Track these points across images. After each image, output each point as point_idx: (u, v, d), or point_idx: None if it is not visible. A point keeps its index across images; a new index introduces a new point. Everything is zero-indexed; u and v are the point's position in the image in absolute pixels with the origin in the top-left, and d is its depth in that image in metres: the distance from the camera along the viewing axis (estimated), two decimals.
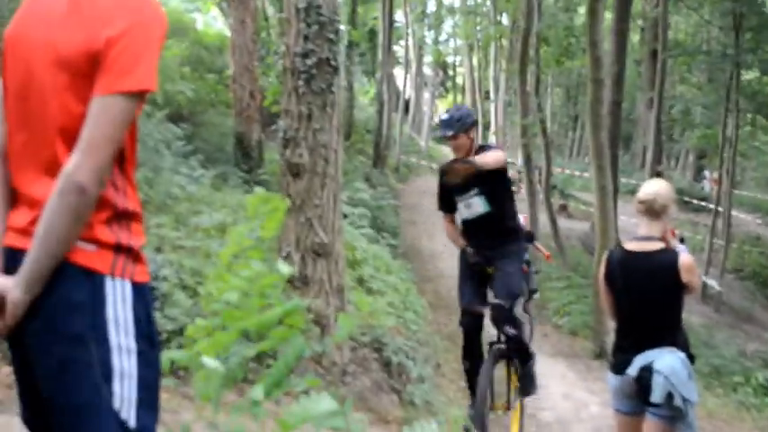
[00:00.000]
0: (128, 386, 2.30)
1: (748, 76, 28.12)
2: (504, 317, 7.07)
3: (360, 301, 11.20)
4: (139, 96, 2.29)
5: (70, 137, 2.24)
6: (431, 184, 35.14)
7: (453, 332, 16.69)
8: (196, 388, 2.52)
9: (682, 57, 30.97)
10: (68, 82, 2.26)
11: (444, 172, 7.41)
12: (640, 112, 31.11)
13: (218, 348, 2.43)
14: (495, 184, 7.24)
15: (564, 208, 30.63)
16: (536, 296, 12.49)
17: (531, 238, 11.72)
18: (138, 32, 2.27)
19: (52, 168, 2.25)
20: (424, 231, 26.63)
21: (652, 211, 5.22)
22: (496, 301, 7.12)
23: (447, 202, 7.66)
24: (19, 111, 2.39)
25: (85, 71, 2.24)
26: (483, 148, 7.36)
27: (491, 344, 7.88)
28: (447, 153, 45.42)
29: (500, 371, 8.11)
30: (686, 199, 36.47)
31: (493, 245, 7.31)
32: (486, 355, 7.81)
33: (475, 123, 7.35)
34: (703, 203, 33.58)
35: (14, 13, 2.51)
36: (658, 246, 5.21)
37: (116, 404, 2.27)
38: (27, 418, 2.51)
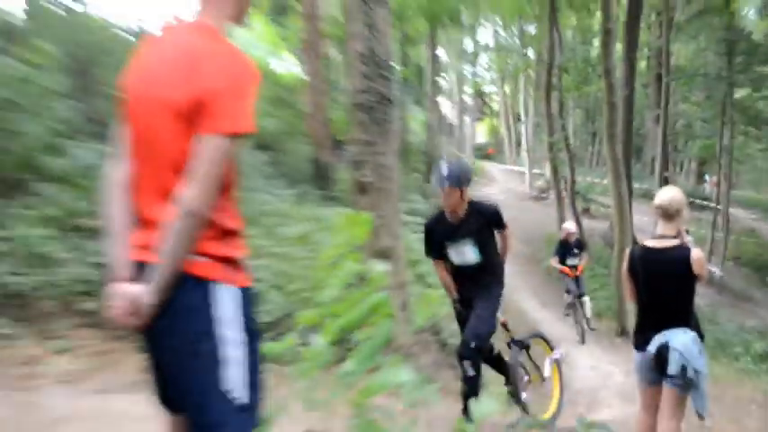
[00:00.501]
0: (237, 371, 2.44)
1: (740, 93, 28.06)
2: (467, 354, 6.77)
3: (425, 296, 11.32)
4: (239, 136, 2.39)
5: (179, 169, 2.36)
6: (475, 194, 35.14)
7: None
8: (295, 369, 2.69)
9: (683, 79, 30.84)
10: (177, 127, 2.38)
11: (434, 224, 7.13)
12: (649, 127, 30.87)
13: (328, 333, 2.59)
14: (486, 235, 6.98)
15: (587, 210, 30.43)
16: (585, 298, 14.19)
17: (582, 246, 13.68)
18: (235, 84, 2.37)
19: (165, 194, 2.39)
20: None
21: (667, 214, 5.30)
22: (464, 338, 6.92)
23: (437, 248, 7.24)
24: (139, 149, 2.52)
25: (191, 118, 2.35)
26: (475, 205, 6.98)
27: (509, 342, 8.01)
28: (487, 168, 45.34)
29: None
30: (690, 199, 35.97)
31: (477, 289, 7.03)
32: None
33: (469, 182, 6.86)
34: (705, 203, 33.35)
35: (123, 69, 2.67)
36: (673, 243, 5.27)
37: (228, 385, 2.43)
38: (159, 396, 2.67)
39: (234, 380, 2.43)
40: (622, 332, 15.91)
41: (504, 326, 7.67)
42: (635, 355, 5.52)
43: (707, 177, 41.16)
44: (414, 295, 10.24)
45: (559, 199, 26.23)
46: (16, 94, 8.46)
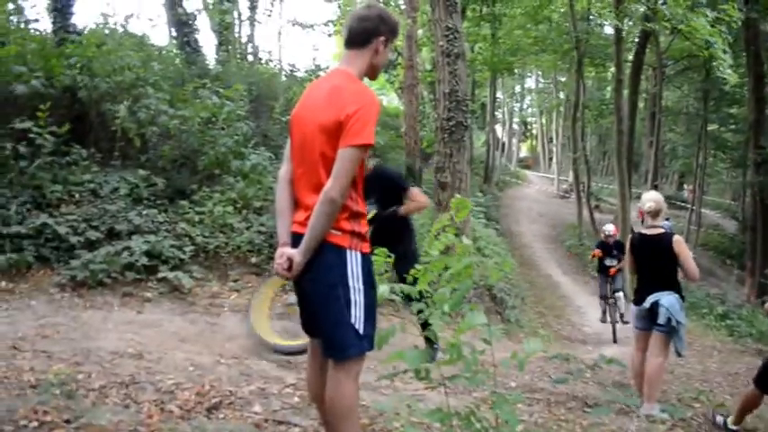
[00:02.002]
0: (359, 310, 2.46)
1: (712, 127, 27.74)
2: None
3: (483, 263, 11.25)
4: (365, 148, 2.42)
5: (328, 169, 2.41)
6: (517, 192, 34.78)
7: (532, 279, 16.43)
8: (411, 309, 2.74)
9: (670, 116, 30.62)
10: (326, 139, 2.43)
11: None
12: (645, 149, 30.19)
13: (424, 281, 2.70)
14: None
15: (597, 207, 29.79)
16: (619, 293, 11.04)
17: (621, 248, 10.46)
18: (364, 111, 2.39)
19: (317, 187, 2.43)
20: (513, 220, 26.26)
21: (654, 212, 5.24)
22: None
23: None
24: (299, 156, 2.56)
25: (335, 133, 2.40)
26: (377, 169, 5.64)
27: None
28: (527, 174, 44.83)
29: None
30: (672, 202, 36.23)
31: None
32: None
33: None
34: (684, 204, 32.50)
35: (293, 100, 2.74)
36: (660, 231, 5.24)
37: (353, 320, 2.45)
38: (303, 324, 2.73)
39: (357, 316, 2.46)
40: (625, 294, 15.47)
41: None
42: (632, 309, 5.42)
43: (685, 186, 40.24)
44: (475, 262, 10.09)
45: (578, 198, 25.85)
46: (214, 116, 8.62)
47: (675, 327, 4.95)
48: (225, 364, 4.61)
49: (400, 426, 3.41)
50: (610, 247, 11.13)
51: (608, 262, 11.06)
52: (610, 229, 11.62)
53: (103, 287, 6.07)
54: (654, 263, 5.21)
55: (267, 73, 15.02)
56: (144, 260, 6.33)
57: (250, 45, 23.33)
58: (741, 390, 7.03)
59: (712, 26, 14.84)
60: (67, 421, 2.91)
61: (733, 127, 28.12)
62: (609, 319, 11.16)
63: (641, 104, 29.47)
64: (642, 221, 8.44)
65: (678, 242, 5.12)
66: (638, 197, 30.48)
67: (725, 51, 15.09)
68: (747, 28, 18.76)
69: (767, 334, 12.87)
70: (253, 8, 22.83)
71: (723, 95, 25.22)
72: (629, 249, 5.48)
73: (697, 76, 27.10)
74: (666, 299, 4.98)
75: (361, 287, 2.47)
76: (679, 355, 5.18)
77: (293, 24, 26.43)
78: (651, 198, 5.36)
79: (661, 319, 4.96)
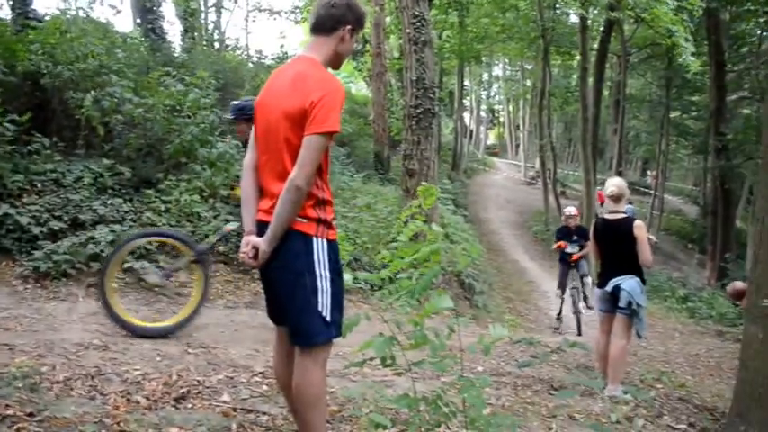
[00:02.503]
0: (326, 297, 2.46)
1: (674, 114, 28.20)
2: None
3: (452, 249, 11.32)
4: (330, 135, 2.40)
5: (293, 157, 2.40)
6: (485, 179, 35.00)
7: (499, 265, 16.58)
8: (380, 295, 2.74)
9: (634, 103, 30.99)
10: (290, 127, 2.41)
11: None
12: (609, 136, 30.60)
13: (395, 268, 2.69)
14: None
15: (563, 193, 30.16)
16: (587, 279, 9.96)
17: (584, 234, 9.60)
18: (329, 98, 2.38)
19: (282, 175, 2.42)
20: (481, 207, 26.45)
21: (615, 197, 5.31)
22: None
23: None
24: (263, 143, 2.55)
25: (300, 121, 2.38)
26: None
27: None
28: (495, 161, 45.09)
29: None
30: (636, 187, 37.05)
31: None
32: None
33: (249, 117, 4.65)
34: (647, 190, 33.13)
35: (260, 87, 2.71)
36: (621, 216, 5.31)
37: (320, 307, 2.45)
38: (269, 313, 2.74)
39: (324, 303, 2.46)
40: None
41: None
42: (596, 292, 5.55)
43: (648, 172, 40.94)
44: (443, 248, 10.15)
45: (545, 184, 26.21)
46: (180, 105, 8.49)
47: (636, 309, 5.06)
48: (193, 354, 4.57)
49: (368, 412, 3.42)
50: (571, 233, 10.12)
51: (570, 249, 10.05)
52: (571, 210, 10.57)
53: (68, 278, 5.96)
54: (615, 247, 5.29)
55: (234, 60, 14.85)
56: (109, 250, 6.23)
57: (216, 32, 23.03)
58: (702, 370, 7.22)
59: (675, 14, 15.08)
60: (31, 414, 2.86)
61: (695, 114, 28.64)
62: (566, 310, 10.15)
63: (606, 92, 29.82)
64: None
65: (638, 227, 5.21)
66: (603, 183, 31.11)
67: (686, 39, 15.35)
68: (709, 17, 19.09)
69: (727, 315, 13.20)
70: None
71: (685, 83, 25.70)
72: (593, 234, 5.56)
73: (660, 65, 27.54)
74: (627, 282, 5.09)
75: (328, 274, 2.45)
76: (639, 336, 5.30)
77: (259, 11, 26.15)
78: (614, 183, 5.45)
79: (622, 302, 5.09)
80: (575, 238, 10.07)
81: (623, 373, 5.37)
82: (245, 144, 4.42)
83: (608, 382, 5.11)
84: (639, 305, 5.06)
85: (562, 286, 10.31)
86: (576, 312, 10.05)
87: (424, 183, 9.18)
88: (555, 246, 10.37)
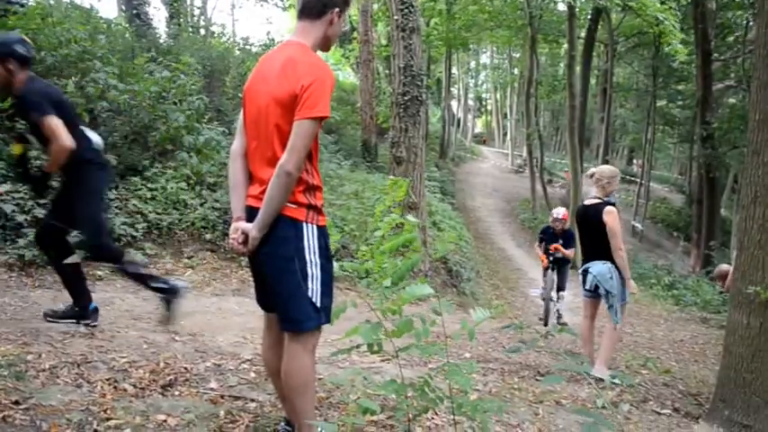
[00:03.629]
0: (316, 283, 2.45)
1: (660, 103, 28.39)
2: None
3: (439, 237, 11.36)
4: (320, 120, 2.37)
5: (282, 142, 2.37)
6: (473, 167, 35.04)
7: (487, 253, 16.62)
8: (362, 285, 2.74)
9: (621, 92, 31.20)
10: (281, 112, 2.38)
11: None
12: (596, 124, 30.80)
13: (380, 260, 2.65)
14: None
15: (550, 181, 30.42)
16: (563, 293, 9.08)
17: (570, 240, 8.66)
18: (319, 83, 2.34)
19: (272, 161, 2.40)
20: (468, 195, 26.55)
21: (594, 179, 5.41)
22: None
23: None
24: (252, 129, 2.51)
25: (290, 106, 2.35)
26: (33, 85, 4.00)
27: None
28: (482, 149, 45.17)
29: None
30: (623, 176, 37.42)
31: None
32: None
33: (8, 55, 3.86)
34: (633, 179, 33.33)
35: (247, 75, 2.68)
36: (597, 201, 5.34)
37: (309, 293, 2.44)
38: (258, 299, 2.72)
39: (314, 289, 2.44)
40: (572, 266, 15.73)
41: None
42: (580, 278, 5.58)
43: (635, 160, 41.32)
44: (430, 236, 10.17)
45: (532, 172, 26.33)
46: (165, 91, 8.41)
47: (604, 295, 5.16)
48: (180, 342, 4.55)
49: (356, 398, 3.43)
50: (556, 236, 8.84)
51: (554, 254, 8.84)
52: (560, 212, 9.04)
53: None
54: (589, 232, 5.36)
55: (220, 47, 14.73)
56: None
57: (202, 18, 22.82)
58: (686, 356, 7.31)
59: (662, 2, 15.11)
60: (16, 402, 2.84)
61: (681, 103, 28.81)
62: (544, 316, 9.08)
63: (593, 80, 29.94)
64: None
65: (608, 212, 5.21)
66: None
67: (674, 27, 15.40)
68: (696, 6, 19.15)
69: (711, 302, 13.33)
70: None
71: (671, 72, 25.86)
72: (576, 219, 5.64)
73: (647, 53, 27.71)
74: (595, 267, 5.19)
75: (318, 260, 2.44)
76: (615, 322, 5.23)
77: None
78: (597, 168, 5.58)
79: (587, 285, 5.27)
80: (560, 242, 8.80)
81: (610, 355, 5.39)
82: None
83: (593, 362, 5.19)
84: (608, 292, 5.12)
85: (543, 289, 9.18)
86: (545, 319, 9.01)
87: (410, 171, 9.26)
88: (538, 251, 9.15)
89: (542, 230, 9.20)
